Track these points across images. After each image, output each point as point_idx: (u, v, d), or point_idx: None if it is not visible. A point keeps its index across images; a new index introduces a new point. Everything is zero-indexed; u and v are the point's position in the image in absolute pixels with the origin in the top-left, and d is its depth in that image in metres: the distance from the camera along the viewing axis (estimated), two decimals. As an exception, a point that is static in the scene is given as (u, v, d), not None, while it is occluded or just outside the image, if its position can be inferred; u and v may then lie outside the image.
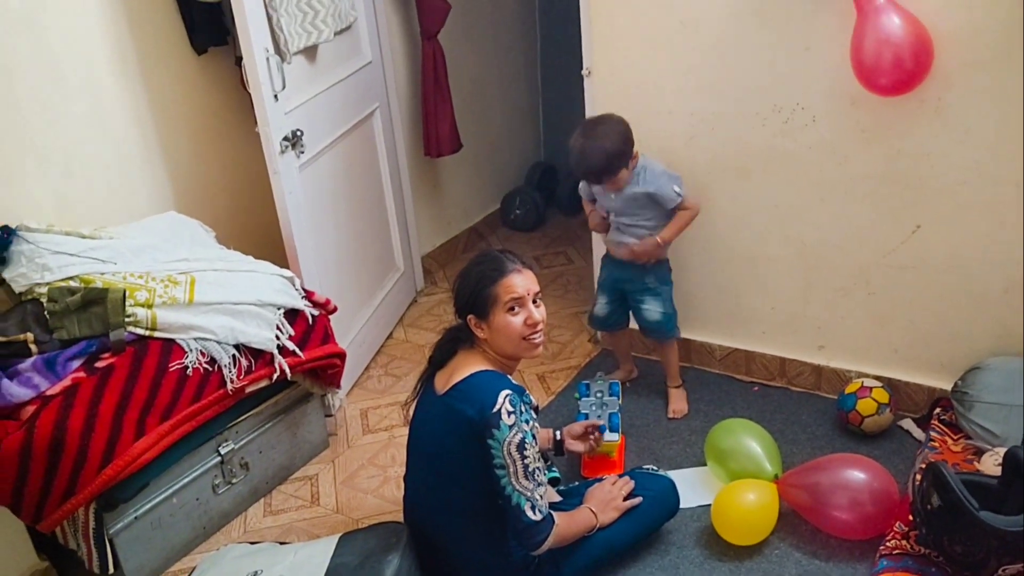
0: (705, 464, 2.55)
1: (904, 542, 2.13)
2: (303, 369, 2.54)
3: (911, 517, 2.16)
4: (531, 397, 1.99)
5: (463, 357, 2.02)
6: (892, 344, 2.71)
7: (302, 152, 2.77)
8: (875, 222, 2.58)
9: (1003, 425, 2.35)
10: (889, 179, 2.50)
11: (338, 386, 2.72)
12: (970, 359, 2.53)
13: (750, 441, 2.43)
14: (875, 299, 2.67)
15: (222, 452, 2.46)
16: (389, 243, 3.60)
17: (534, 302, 2.01)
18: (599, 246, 3.05)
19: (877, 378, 2.68)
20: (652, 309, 2.79)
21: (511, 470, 1.87)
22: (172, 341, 2.22)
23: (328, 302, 2.68)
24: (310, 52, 2.84)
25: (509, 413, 1.86)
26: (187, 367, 2.22)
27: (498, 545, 2.00)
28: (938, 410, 2.59)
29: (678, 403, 2.90)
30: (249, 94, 2.64)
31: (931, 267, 2.54)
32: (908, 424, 2.67)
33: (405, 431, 2.52)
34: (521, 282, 1.98)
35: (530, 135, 4.73)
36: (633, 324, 2.93)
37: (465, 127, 3.86)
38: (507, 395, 1.88)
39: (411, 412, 2.15)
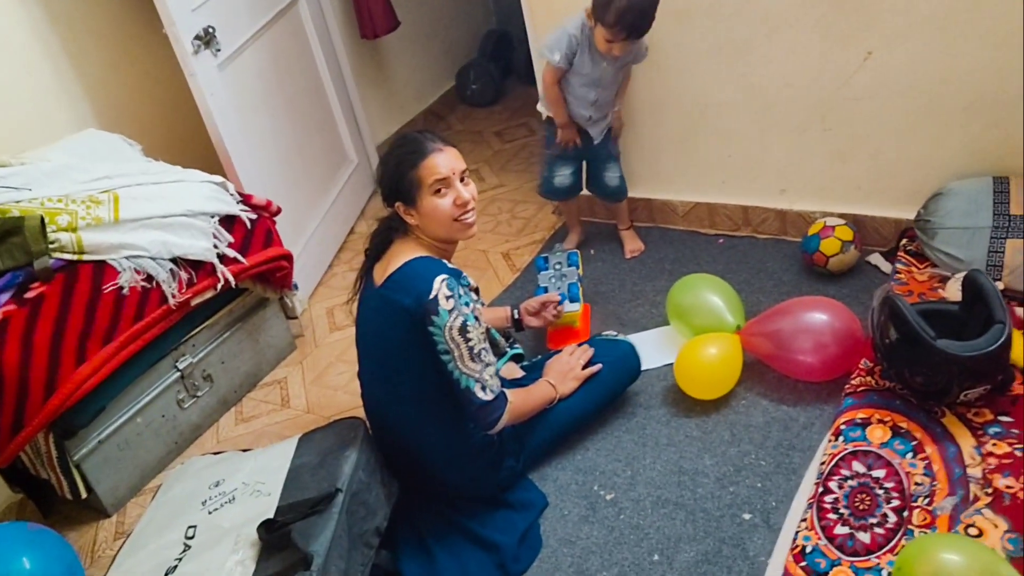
0: (669, 324, 2.51)
1: (869, 378, 2.10)
2: (249, 275, 2.48)
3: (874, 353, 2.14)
4: (469, 279, 1.92)
5: (398, 247, 1.95)
6: (855, 180, 2.61)
7: (218, 50, 2.61)
8: (825, 53, 2.43)
9: (966, 249, 2.28)
10: (837, 3, 2.35)
11: (290, 287, 2.67)
12: (935, 185, 2.44)
13: (710, 295, 2.38)
14: (833, 135, 2.56)
15: (180, 367, 2.43)
16: (337, 136, 3.47)
17: (461, 180, 1.92)
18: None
19: (841, 216, 2.60)
20: (613, 175, 2.79)
21: (456, 354, 1.83)
22: (103, 263, 2.15)
23: (269, 204, 2.60)
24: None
25: (447, 298, 1.80)
26: (122, 287, 2.16)
27: (456, 428, 1.98)
28: (904, 241, 2.53)
29: (633, 243, 2.92)
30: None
31: (887, 94, 2.41)
32: (876, 259, 2.61)
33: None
34: (444, 162, 1.88)
35: (478, 1, 4.50)
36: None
37: (406, 1, 3.66)
38: (443, 280, 1.81)
39: (355, 309, 2.09)
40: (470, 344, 1.83)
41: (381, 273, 1.94)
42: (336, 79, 3.40)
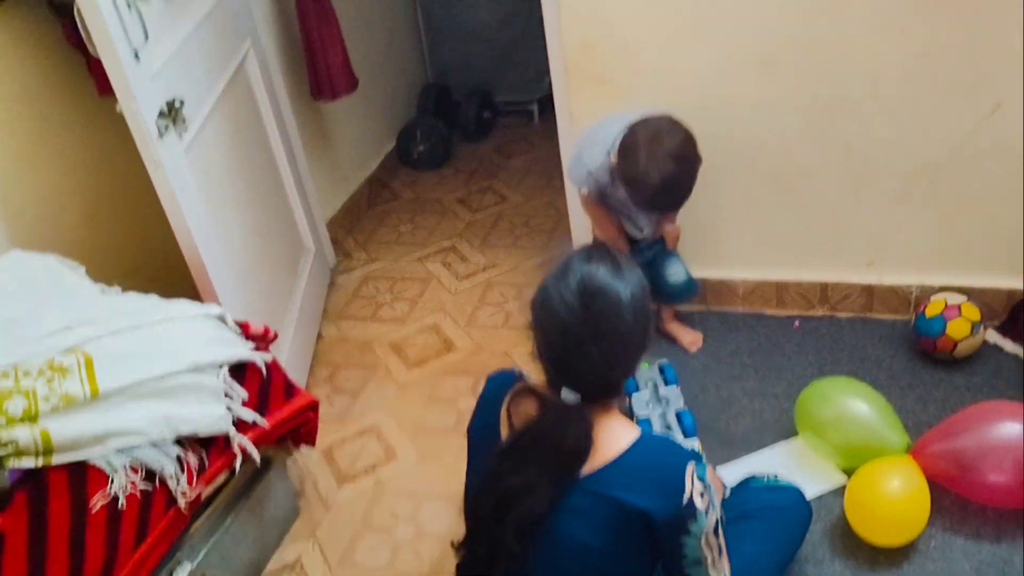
0: (791, 435, 2.07)
1: (1088, 498, 1.73)
2: (271, 440, 1.79)
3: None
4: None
5: (599, 420, 1.34)
6: (960, 247, 2.28)
7: (185, 130, 1.93)
8: (943, 107, 2.09)
9: None
10: (962, 50, 2.00)
11: (315, 442, 1.99)
12: (1060, 251, 2.15)
13: (859, 404, 1.95)
14: (940, 199, 2.22)
15: (177, 582, 1.70)
16: (292, 220, 2.79)
17: None
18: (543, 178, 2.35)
19: (957, 290, 2.26)
20: (678, 270, 2.33)
21: (709, 560, 1.27)
22: (84, 464, 1.43)
23: (267, 331, 1.92)
24: (161, -19, 1.96)
25: (701, 494, 1.25)
26: (117, 497, 1.44)
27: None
28: (1032, 316, 2.22)
29: (688, 333, 2.47)
30: (86, 54, 1.78)
31: (1014, 152, 2.09)
32: (994, 336, 2.28)
33: (392, 468, 2.14)
34: None
35: (413, 53, 3.93)
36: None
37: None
38: (692, 470, 1.26)
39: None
40: (720, 541, 1.29)
41: (590, 458, 1.32)
42: (287, 150, 2.74)
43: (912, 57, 2.04)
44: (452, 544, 1.44)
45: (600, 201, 2.18)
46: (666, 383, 2.11)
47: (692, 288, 2.34)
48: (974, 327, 2.16)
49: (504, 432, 1.40)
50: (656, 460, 1.29)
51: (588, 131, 2.13)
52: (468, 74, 3.86)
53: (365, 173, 3.53)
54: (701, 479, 1.26)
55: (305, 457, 2.31)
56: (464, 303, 2.86)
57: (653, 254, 2.32)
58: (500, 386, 1.47)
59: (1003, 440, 1.78)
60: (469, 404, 2.40)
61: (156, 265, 2.24)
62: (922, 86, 2.07)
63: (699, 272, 2.50)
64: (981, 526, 1.82)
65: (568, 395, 1.28)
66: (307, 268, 2.80)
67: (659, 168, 1.87)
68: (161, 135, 1.82)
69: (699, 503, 1.24)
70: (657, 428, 2.06)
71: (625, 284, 1.27)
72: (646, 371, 2.13)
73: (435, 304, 2.88)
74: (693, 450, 1.35)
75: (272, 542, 2.06)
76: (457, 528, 1.87)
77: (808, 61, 2.11)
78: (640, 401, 2.06)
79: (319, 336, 2.81)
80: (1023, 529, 1.80)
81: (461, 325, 2.76)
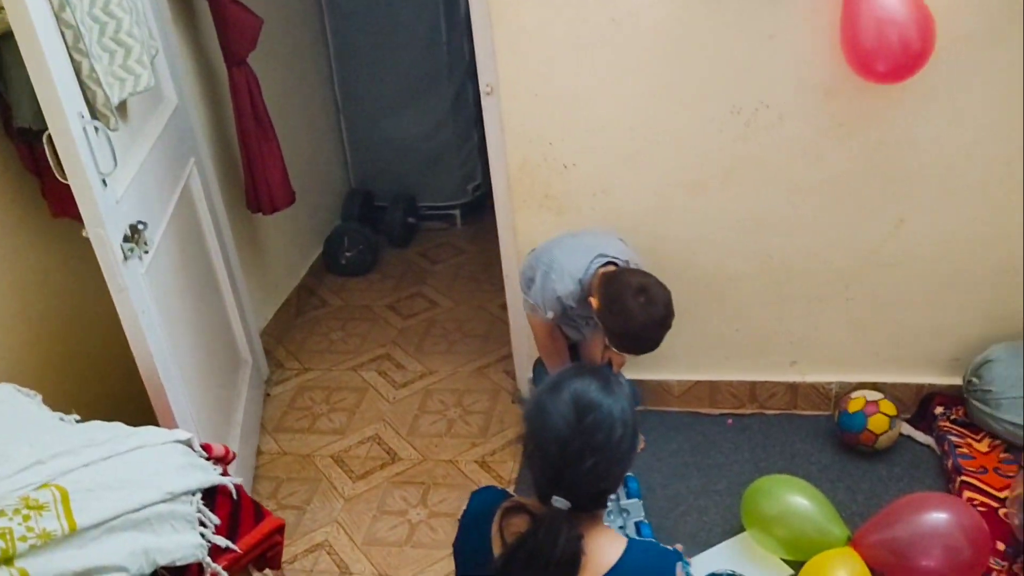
0: (737, 532, 2.18)
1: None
2: (242, 565, 1.76)
3: (1006, 548, 1.95)
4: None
5: (589, 532, 1.40)
6: (873, 347, 2.49)
7: (146, 251, 1.94)
8: (854, 222, 2.32)
9: (1035, 417, 2.21)
10: (869, 173, 2.25)
11: (279, 567, 1.96)
12: (962, 348, 2.39)
13: (800, 499, 2.09)
14: (855, 303, 2.43)
15: None
16: (231, 332, 2.78)
17: None
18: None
19: (872, 386, 2.46)
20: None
21: None
22: (63, 604, 1.38)
23: (227, 452, 1.91)
24: (120, 108, 1.99)
25: None
26: (99, 641, 1.40)
27: None
28: (939, 409, 2.42)
29: None
30: (41, 177, 1.79)
31: (917, 261, 2.33)
32: (907, 428, 2.47)
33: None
34: None
35: (336, 161, 4.01)
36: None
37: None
38: (680, 568, 1.34)
39: None
40: None
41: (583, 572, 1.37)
42: (226, 262, 2.74)
43: (826, 179, 2.26)
44: None
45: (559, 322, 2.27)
46: (628, 495, 2.18)
47: (636, 398, 2.46)
48: (892, 421, 2.35)
49: (497, 550, 1.44)
50: (649, 565, 1.36)
51: (546, 254, 2.20)
52: (392, 181, 3.96)
53: (294, 281, 3.55)
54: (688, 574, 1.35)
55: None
56: (404, 412, 2.88)
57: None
58: (486, 503, 1.51)
59: (932, 528, 1.94)
60: (420, 516, 2.44)
61: (109, 388, 2.19)
62: (835, 204, 2.29)
63: (638, 375, 2.63)
64: (920, 611, 1.95)
65: (559, 503, 1.34)
66: (246, 380, 2.78)
67: (655, 315, 1.99)
68: (126, 259, 1.83)
69: (690, 601, 1.32)
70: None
71: (615, 399, 1.36)
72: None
73: (374, 414, 2.89)
74: (675, 550, 1.43)
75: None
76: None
77: (734, 183, 2.31)
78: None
79: (259, 451, 2.77)
80: (957, 612, 1.94)
81: (403, 435, 2.78)
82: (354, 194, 3.96)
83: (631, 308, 1.99)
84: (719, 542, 2.20)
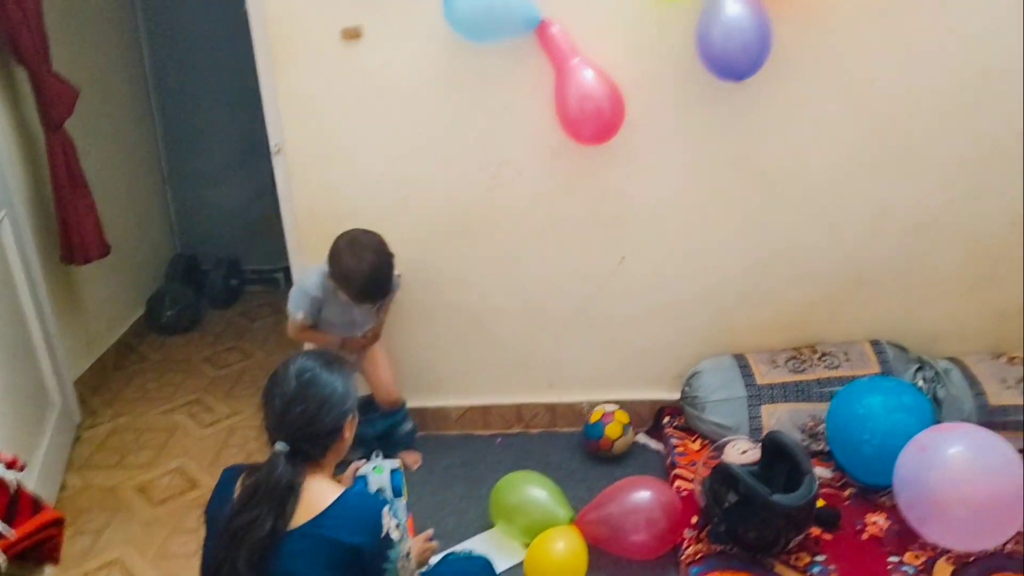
0: (490, 527, 2.51)
1: (700, 546, 2.30)
2: (16, 551, 1.95)
3: (697, 520, 2.36)
4: None
5: (312, 480, 1.72)
6: (614, 367, 2.93)
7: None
8: (586, 259, 2.77)
9: (731, 417, 2.67)
10: (594, 219, 2.72)
11: (58, 561, 2.14)
12: (682, 365, 2.85)
13: (536, 490, 2.45)
14: (595, 330, 2.87)
15: None
16: (39, 375, 2.96)
17: None
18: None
19: (616, 403, 2.87)
20: (405, 425, 2.89)
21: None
22: None
23: (16, 460, 2.11)
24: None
25: (396, 527, 1.67)
26: None
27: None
28: (667, 418, 2.87)
29: (409, 455, 2.88)
30: None
31: (639, 290, 2.80)
32: (643, 438, 2.90)
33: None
34: None
35: (162, 226, 4.26)
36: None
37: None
38: (387, 511, 1.68)
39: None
40: (412, 565, 1.71)
41: (304, 511, 1.68)
42: (38, 310, 2.94)
43: (561, 223, 2.72)
44: None
45: (316, 322, 2.66)
46: (395, 493, 2.47)
47: (414, 432, 2.89)
48: (625, 428, 2.77)
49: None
50: (360, 505, 1.70)
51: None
52: (217, 245, 4.24)
53: (113, 337, 3.73)
54: (394, 516, 1.68)
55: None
56: (208, 447, 3.11)
57: (384, 425, 2.81)
58: (233, 473, 1.81)
59: (636, 505, 2.33)
60: (213, 532, 2.65)
61: None
62: (571, 244, 2.75)
63: (419, 402, 2.97)
64: (629, 576, 2.33)
65: (280, 446, 1.66)
66: (51, 421, 2.95)
67: (365, 261, 2.43)
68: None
69: (394, 536, 1.66)
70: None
71: (330, 370, 1.72)
72: (377, 476, 2.48)
73: (180, 450, 3.10)
74: (383, 497, 1.76)
75: (9, 670, 2.14)
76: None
77: (488, 227, 2.74)
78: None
79: (62, 486, 2.92)
80: None
81: (205, 466, 2.99)
82: (178, 258, 4.21)
83: (347, 261, 2.44)
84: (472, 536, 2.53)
